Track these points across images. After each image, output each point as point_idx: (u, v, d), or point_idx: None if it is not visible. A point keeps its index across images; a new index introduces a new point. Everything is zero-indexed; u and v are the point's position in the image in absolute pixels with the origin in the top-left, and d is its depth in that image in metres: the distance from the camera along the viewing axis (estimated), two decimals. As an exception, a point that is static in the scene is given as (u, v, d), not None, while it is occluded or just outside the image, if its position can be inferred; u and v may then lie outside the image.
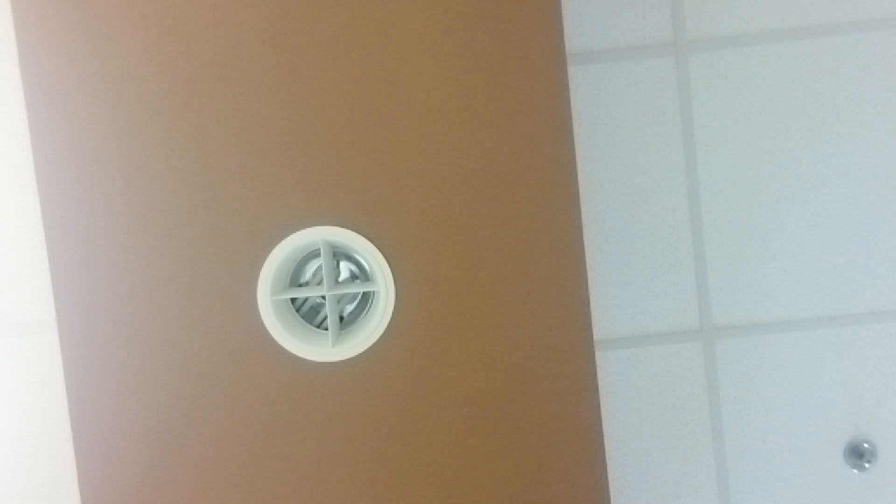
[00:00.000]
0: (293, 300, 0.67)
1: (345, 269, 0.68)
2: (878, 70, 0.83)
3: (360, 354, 0.64)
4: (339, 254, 0.67)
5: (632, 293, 0.85)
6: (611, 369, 0.86)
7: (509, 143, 0.63)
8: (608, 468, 0.70)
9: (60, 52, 0.63)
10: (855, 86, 0.83)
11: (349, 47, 0.63)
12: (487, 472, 0.64)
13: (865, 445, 0.85)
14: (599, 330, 0.85)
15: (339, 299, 0.67)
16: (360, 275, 0.67)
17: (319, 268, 0.67)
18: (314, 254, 0.66)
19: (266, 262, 0.63)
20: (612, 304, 0.85)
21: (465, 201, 0.63)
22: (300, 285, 0.67)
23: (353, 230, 0.63)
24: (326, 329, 0.66)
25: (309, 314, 0.68)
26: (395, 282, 0.63)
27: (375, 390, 0.64)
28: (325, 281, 0.64)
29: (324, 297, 0.65)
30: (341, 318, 0.68)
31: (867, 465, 0.85)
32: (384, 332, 0.64)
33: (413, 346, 0.64)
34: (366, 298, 0.68)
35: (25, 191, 0.81)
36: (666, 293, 0.85)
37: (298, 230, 0.63)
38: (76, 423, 0.64)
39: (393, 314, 0.64)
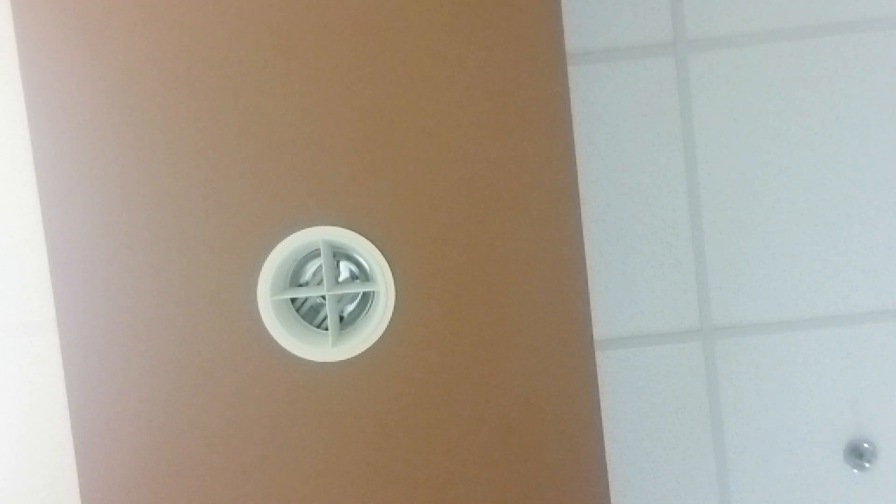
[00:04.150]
0: (293, 300, 0.67)
1: (345, 269, 0.68)
2: (878, 70, 0.83)
3: (360, 354, 0.64)
4: (339, 254, 0.67)
5: (632, 293, 0.85)
6: (611, 369, 0.86)
7: (509, 143, 0.63)
8: (608, 468, 0.70)
9: (60, 52, 0.63)
10: (855, 86, 0.83)
11: (348, 47, 0.63)
12: (487, 472, 0.64)
13: (865, 445, 0.85)
14: (599, 330, 0.85)
15: (339, 299, 0.67)
16: (360, 275, 0.67)
17: (319, 268, 0.67)
18: (314, 254, 0.66)
19: (266, 262, 0.63)
20: (612, 304, 0.85)
21: (465, 201, 0.63)
22: (300, 285, 0.67)
23: (353, 230, 0.63)
24: (326, 329, 0.66)
25: (309, 314, 0.68)
26: (395, 282, 0.63)
27: (375, 390, 0.64)
28: (325, 281, 0.64)
29: (324, 297, 0.65)
30: (341, 318, 0.68)
31: (867, 465, 0.85)
32: (384, 332, 0.64)
33: (413, 346, 0.64)
34: (366, 298, 0.68)
35: (25, 191, 0.81)
36: (666, 293, 0.85)
37: (298, 230, 0.63)
38: (76, 423, 0.64)
39: (393, 314, 0.64)
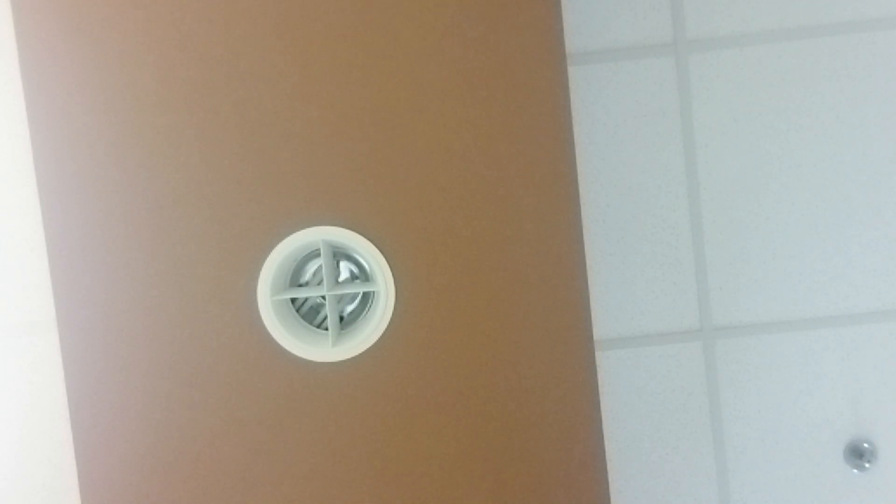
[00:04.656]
0: (293, 300, 0.67)
1: (345, 269, 0.68)
2: (878, 70, 0.83)
3: (360, 354, 0.64)
4: (339, 254, 0.67)
5: (632, 293, 0.85)
6: (611, 369, 0.86)
7: (509, 143, 0.63)
8: (608, 468, 0.70)
9: (60, 52, 0.63)
10: (855, 86, 0.83)
11: (349, 47, 0.63)
12: (487, 472, 0.64)
13: (865, 445, 0.85)
14: (599, 330, 0.85)
15: (339, 299, 0.67)
16: (360, 275, 0.67)
17: (319, 268, 0.67)
18: (314, 254, 0.66)
19: (266, 262, 0.63)
20: (612, 304, 0.85)
21: (465, 201, 0.63)
22: (300, 285, 0.67)
23: (353, 230, 0.63)
24: (326, 329, 0.66)
25: (309, 314, 0.68)
26: (395, 282, 0.63)
27: (375, 390, 0.64)
28: (325, 281, 0.64)
29: (324, 297, 0.65)
30: (341, 318, 0.68)
31: (867, 465, 0.85)
32: (384, 332, 0.64)
33: (413, 346, 0.64)
34: (366, 298, 0.68)
35: (25, 191, 0.81)
36: (666, 293, 0.85)
37: (298, 230, 0.63)
38: (76, 423, 0.64)
39: (393, 314, 0.64)
